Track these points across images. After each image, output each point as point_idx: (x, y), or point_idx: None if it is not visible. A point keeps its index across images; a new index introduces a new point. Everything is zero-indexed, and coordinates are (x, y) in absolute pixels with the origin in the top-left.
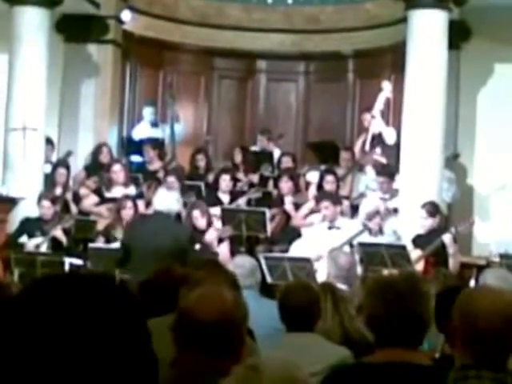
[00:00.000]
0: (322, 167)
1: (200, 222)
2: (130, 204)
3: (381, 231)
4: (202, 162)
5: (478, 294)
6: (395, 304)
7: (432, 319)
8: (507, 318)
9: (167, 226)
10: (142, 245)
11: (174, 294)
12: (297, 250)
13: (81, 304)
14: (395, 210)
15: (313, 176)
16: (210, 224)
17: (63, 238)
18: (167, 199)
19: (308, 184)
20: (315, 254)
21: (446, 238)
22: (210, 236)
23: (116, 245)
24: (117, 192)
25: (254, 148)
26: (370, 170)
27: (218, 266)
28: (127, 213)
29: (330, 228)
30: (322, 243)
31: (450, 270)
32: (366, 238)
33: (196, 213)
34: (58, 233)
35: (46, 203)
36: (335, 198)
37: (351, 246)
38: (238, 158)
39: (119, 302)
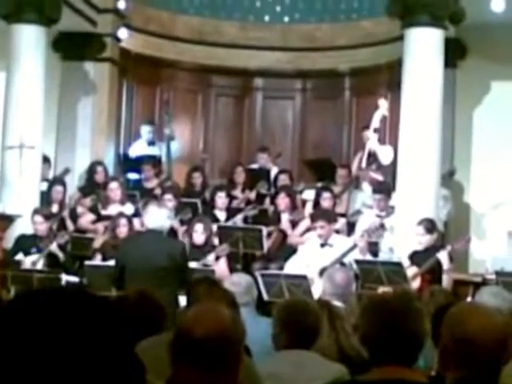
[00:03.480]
0: (319, 184)
1: (199, 237)
2: (124, 221)
3: (372, 251)
4: (198, 179)
5: (468, 313)
6: (389, 322)
7: (427, 336)
8: (500, 336)
9: (160, 243)
10: (135, 263)
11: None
12: (291, 267)
13: (61, 322)
14: (382, 226)
15: (309, 194)
16: (207, 242)
17: (59, 253)
18: (158, 216)
19: (304, 202)
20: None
21: (442, 255)
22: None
23: (112, 262)
24: (113, 210)
25: (253, 166)
26: (366, 187)
27: (215, 285)
28: (121, 230)
29: (322, 245)
30: (314, 261)
31: (444, 287)
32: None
33: (199, 227)
34: (53, 247)
35: (39, 218)
36: (330, 216)
37: (342, 263)
38: (240, 176)
39: (100, 320)
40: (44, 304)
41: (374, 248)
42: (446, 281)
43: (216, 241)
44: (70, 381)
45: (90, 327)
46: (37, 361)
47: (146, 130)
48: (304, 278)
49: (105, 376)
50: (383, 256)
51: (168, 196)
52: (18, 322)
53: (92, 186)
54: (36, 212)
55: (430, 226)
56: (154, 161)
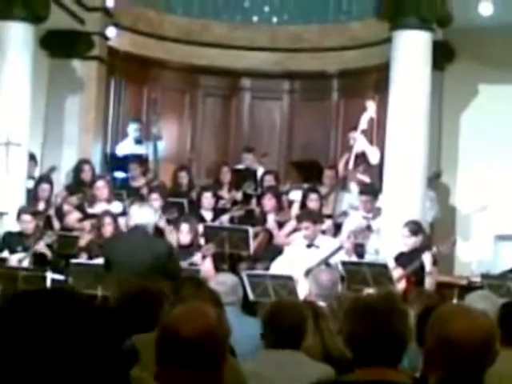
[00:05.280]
0: (305, 185)
1: (185, 237)
2: (108, 220)
3: (358, 252)
4: (184, 179)
5: (453, 314)
6: (373, 323)
7: (411, 337)
8: (484, 338)
9: (145, 241)
10: (120, 260)
11: (151, 310)
12: (276, 268)
13: (54, 323)
14: (368, 228)
15: (296, 195)
16: (193, 242)
17: (47, 252)
18: (141, 213)
19: (291, 203)
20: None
21: (426, 256)
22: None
23: (98, 261)
24: (100, 208)
25: (239, 166)
26: (354, 188)
27: (200, 284)
28: (106, 229)
29: (308, 246)
30: (300, 262)
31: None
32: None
33: (184, 227)
34: (41, 246)
35: (27, 217)
36: (316, 217)
37: (327, 264)
38: (226, 176)
39: (91, 321)
40: (33, 306)
41: (360, 249)
42: (429, 283)
43: (202, 241)
44: (57, 378)
45: (76, 328)
46: (27, 361)
47: (133, 128)
48: (290, 278)
49: (90, 373)
50: (369, 257)
51: (154, 195)
52: (8, 325)
53: (79, 185)
54: (23, 210)
55: (415, 227)
56: (141, 159)
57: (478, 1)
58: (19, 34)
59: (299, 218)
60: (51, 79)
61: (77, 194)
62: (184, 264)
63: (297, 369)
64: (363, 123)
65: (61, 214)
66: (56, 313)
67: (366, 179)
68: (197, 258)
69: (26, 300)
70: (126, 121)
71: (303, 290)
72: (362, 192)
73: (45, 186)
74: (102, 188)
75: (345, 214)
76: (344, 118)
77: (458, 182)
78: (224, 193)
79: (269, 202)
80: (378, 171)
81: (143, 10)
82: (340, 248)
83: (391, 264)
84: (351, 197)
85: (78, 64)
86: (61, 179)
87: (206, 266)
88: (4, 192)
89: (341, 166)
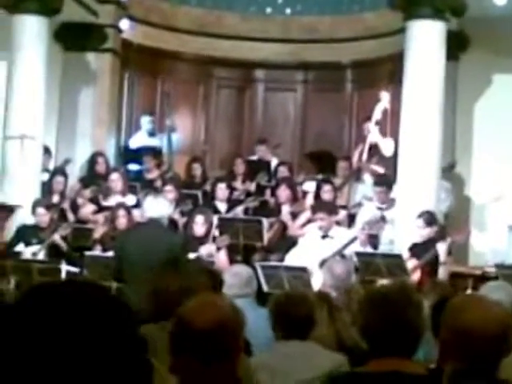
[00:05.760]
0: (319, 177)
1: (199, 228)
2: (122, 212)
3: (372, 243)
4: (198, 170)
5: (468, 304)
6: (388, 314)
7: (426, 328)
8: (500, 328)
9: (159, 234)
10: (134, 254)
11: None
12: (291, 259)
13: (74, 313)
14: (382, 219)
15: (309, 186)
16: (208, 234)
17: (62, 244)
18: (156, 205)
19: (305, 193)
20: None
21: (440, 246)
22: (208, 249)
23: (112, 253)
24: (114, 201)
25: (252, 157)
26: (368, 179)
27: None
28: (120, 222)
29: (323, 237)
30: (315, 253)
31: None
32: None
33: (199, 218)
34: (56, 238)
35: (42, 210)
36: (330, 208)
37: (342, 255)
38: (240, 168)
39: (112, 311)
40: (49, 299)
41: (374, 240)
42: (443, 273)
43: (216, 232)
44: (76, 371)
45: (93, 319)
46: (52, 354)
47: (146, 121)
48: (304, 269)
49: (110, 365)
50: (383, 248)
51: (169, 187)
52: (24, 321)
53: (93, 177)
54: (38, 204)
55: (429, 218)
56: (155, 152)
57: None
58: (33, 28)
59: (314, 209)
60: (65, 72)
61: (91, 186)
62: (195, 255)
63: (309, 359)
64: (377, 114)
65: (75, 207)
66: (72, 304)
67: (380, 170)
68: (212, 248)
69: (42, 292)
70: (139, 113)
71: (318, 281)
72: (376, 183)
73: (59, 179)
74: (116, 180)
75: (359, 204)
76: (358, 108)
77: (473, 172)
78: (238, 184)
79: (283, 192)
80: (392, 162)
81: (156, 2)
82: (354, 239)
83: (405, 255)
84: (365, 188)
85: (91, 57)
86: (75, 172)
87: (221, 258)
88: (19, 185)
89: (355, 157)
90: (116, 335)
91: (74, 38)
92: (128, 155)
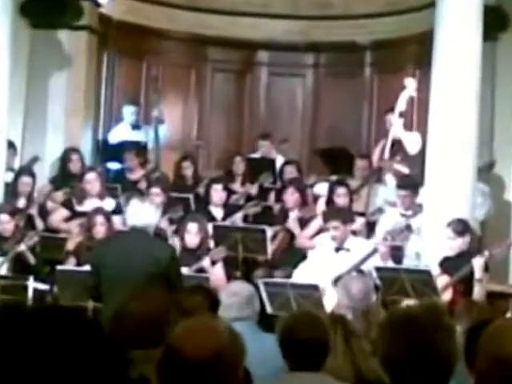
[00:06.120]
0: (333, 178)
1: (192, 239)
2: (101, 219)
3: (395, 256)
4: (188, 170)
5: (508, 331)
6: (415, 341)
7: (458, 357)
8: None
9: (144, 245)
10: (113, 268)
11: (157, 324)
12: (299, 275)
13: (40, 345)
14: (407, 227)
15: (322, 188)
16: (202, 245)
17: (30, 256)
18: (142, 212)
19: (315, 198)
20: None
21: (476, 261)
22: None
23: (88, 267)
24: (90, 205)
25: (254, 155)
26: (390, 181)
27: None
28: (98, 230)
29: (337, 250)
30: (327, 268)
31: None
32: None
33: (192, 226)
34: (22, 249)
35: (5, 217)
36: (345, 215)
37: (359, 271)
38: (240, 167)
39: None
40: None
41: (397, 253)
42: (478, 292)
43: (211, 243)
44: None
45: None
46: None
47: (129, 112)
48: (314, 287)
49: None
50: (408, 263)
51: (155, 190)
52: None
53: (65, 178)
54: (2, 210)
55: (460, 227)
56: (139, 148)
57: None
58: None
59: (326, 217)
60: (33, 53)
61: (63, 188)
62: (190, 271)
63: None
64: (401, 104)
65: (44, 213)
66: (38, 335)
67: (405, 170)
68: (205, 263)
69: (7, 320)
70: (121, 102)
71: (331, 301)
72: (399, 185)
73: (26, 180)
74: (92, 181)
75: (380, 211)
76: (378, 97)
77: None
78: (237, 186)
79: (291, 197)
80: (419, 160)
81: None
82: (374, 251)
83: (435, 271)
84: (387, 191)
85: (64, 35)
86: (45, 171)
87: (217, 273)
88: None
89: (375, 155)
90: (87, 368)
91: (43, 14)
92: (107, 151)
